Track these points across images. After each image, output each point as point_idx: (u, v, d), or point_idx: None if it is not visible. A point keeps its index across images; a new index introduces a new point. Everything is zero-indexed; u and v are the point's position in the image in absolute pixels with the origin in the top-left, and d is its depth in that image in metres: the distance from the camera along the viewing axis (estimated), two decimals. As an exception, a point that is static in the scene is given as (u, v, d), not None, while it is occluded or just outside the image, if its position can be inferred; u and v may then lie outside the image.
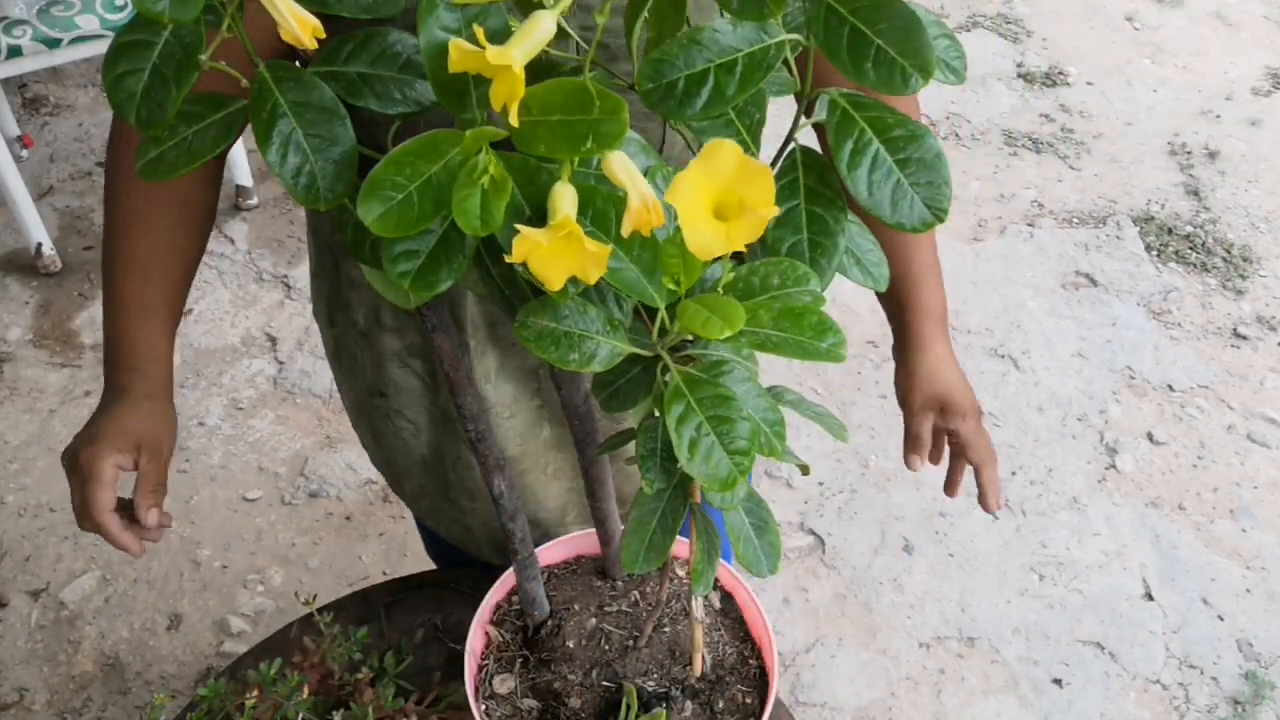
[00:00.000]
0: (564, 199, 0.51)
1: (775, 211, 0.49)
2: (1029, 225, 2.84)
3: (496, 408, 0.97)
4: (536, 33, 0.49)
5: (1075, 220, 2.86)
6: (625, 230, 0.52)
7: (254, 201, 2.84)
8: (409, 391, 1.00)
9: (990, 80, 3.35)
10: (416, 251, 0.56)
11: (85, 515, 0.85)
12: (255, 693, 0.91)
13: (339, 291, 0.99)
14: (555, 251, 0.51)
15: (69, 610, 2.00)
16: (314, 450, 2.28)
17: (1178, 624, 1.98)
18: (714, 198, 0.50)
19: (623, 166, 0.51)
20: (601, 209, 0.55)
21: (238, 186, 2.81)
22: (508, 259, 0.51)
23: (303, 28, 0.51)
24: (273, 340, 2.53)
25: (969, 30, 3.56)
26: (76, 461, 0.85)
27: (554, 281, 0.52)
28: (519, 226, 0.50)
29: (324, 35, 0.52)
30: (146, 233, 0.88)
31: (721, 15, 0.52)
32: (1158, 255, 2.75)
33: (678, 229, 0.52)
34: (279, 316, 2.58)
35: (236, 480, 2.23)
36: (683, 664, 0.86)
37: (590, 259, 0.51)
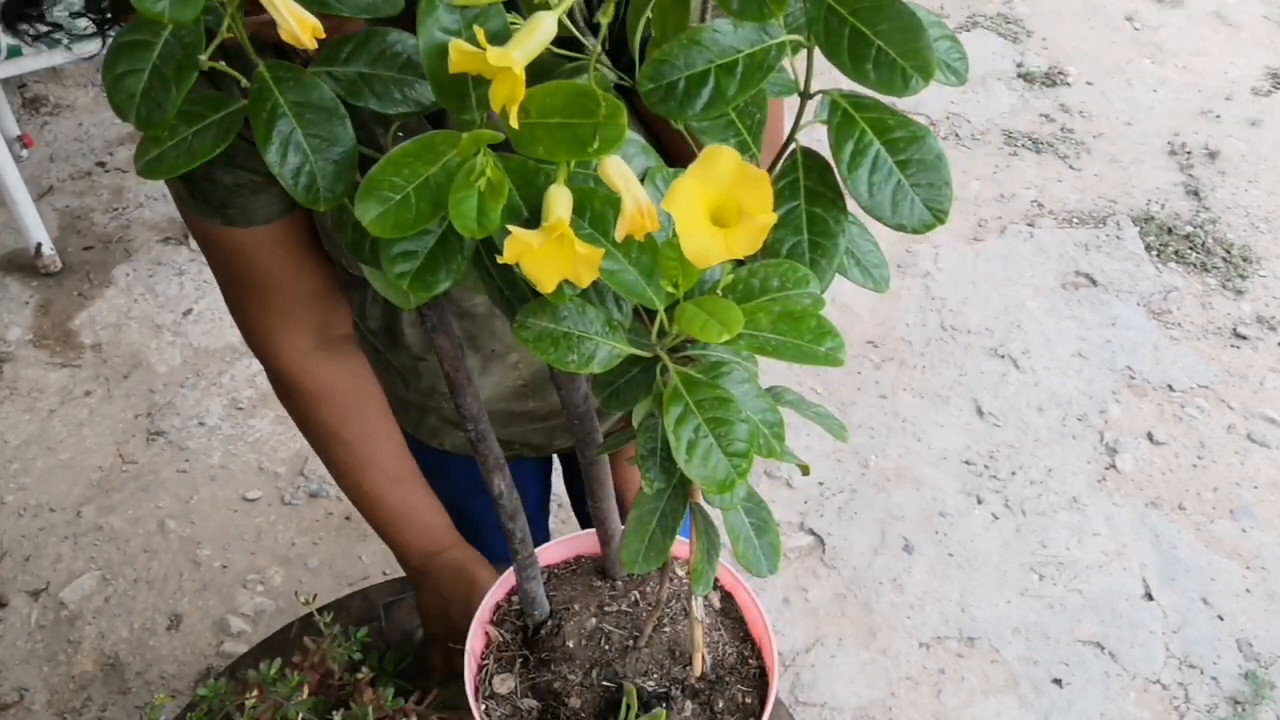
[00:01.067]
0: (558, 201, 0.51)
1: (773, 218, 0.49)
2: (1029, 225, 2.84)
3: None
4: (538, 33, 0.49)
5: (1075, 220, 2.86)
6: (619, 235, 0.52)
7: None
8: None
9: (990, 80, 3.35)
10: (415, 252, 0.55)
11: None
12: (255, 693, 0.91)
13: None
14: (547, 254, 0.51)
15: (69, 610, 2.00)
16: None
17: (1178, 624, 1.98)
18: (711, 204, 0.50)
19: (618, 171, 0.51)
20: (600, 211, 0.55)
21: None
22: (499, 260, 0.51)
23: (302, 28, 0.51)
24: (273, 340, 2.53)
25: (969, 30, 3.56)
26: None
27: (546, 284, 0.52)
28: (511, 227, 0.50)
29: (324, 35, 0.51)
30: (378, 450, 1.01)
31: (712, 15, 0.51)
32: (1158, 255, 2.75)
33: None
34: (279, 316, 2.58)
35: (236, 480, 2.23)
36: (683, 664, 0.86)
37: (582, 262, 0.51)
